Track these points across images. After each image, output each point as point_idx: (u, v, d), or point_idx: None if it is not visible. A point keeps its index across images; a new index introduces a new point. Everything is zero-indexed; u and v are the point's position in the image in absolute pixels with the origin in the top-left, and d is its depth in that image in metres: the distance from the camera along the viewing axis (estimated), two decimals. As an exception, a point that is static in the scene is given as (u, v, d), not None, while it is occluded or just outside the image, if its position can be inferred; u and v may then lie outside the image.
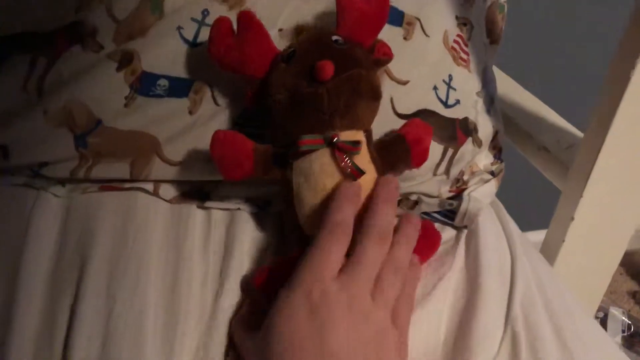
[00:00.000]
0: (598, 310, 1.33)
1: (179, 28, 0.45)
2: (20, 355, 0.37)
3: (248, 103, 0.45)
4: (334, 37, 0.44)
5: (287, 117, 0.43)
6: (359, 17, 0.44)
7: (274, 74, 0.43)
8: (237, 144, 0.43)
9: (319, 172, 0.42)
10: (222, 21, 0.43)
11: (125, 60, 0.45)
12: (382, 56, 0.46)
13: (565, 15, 1.28)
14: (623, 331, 1.34)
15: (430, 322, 0.45)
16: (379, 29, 0.46)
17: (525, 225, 0.63)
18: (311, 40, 0.44)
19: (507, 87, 0.83)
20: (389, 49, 0.46)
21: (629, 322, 1.35)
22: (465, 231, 0.53)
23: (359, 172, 0.42)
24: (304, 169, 0.43)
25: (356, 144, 0.42)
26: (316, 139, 0.42)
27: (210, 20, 0.45)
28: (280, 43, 0.46)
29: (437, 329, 0.45)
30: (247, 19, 0.43)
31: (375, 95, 0.45)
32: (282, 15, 0.47)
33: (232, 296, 0.42)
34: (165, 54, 0.45)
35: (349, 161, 0.42)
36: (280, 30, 0.47)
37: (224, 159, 0.43)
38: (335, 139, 0.42)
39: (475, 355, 0.43)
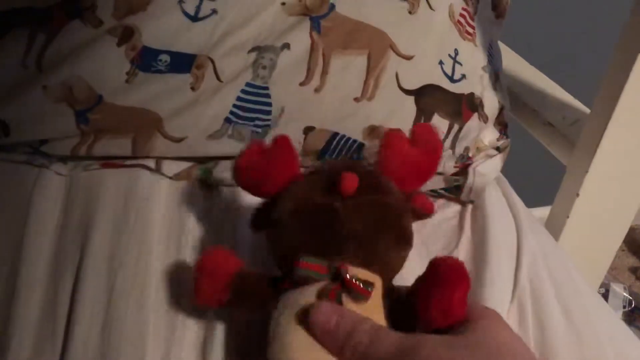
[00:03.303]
0: (600, 286, 1.33)
1: (180, 2, 0.44)
2: (23, 333, 0.37)
3: (252, 224, 0.40)
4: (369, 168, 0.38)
5: (291, 233, 0.35)
6: (403, 162, 0.38)
7: (288, 187, 0.37)
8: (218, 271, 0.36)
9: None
10: (256, 141, 0.39)
11: (126, 35, 0.44)
12: (420, 206, 0.40)
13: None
14: (624, 306, 1.35)
15: None
16: (424, 180, 0.40)
17: (530, 201, 0.62)
18: (340, 161, 0.40)
19: (513, 62, 0.82)
20: (431, 205, 0.42)
21: (630, 297, 1.36)
22: (470, 207, 0.53)
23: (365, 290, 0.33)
24: (288, 304, 0.34)
25: (368, 286, 0.33)
26: (319, 265, 0.33)
27: None
28: (284, 18, 0.45)
29: None
30: (282, 141, 0.38)
31: (403, 237, 0.36)
32: None
33: None
34: (166, 29, 0.44)
35: (357, 282, 0.33)
36: (283, 4, 0.46)
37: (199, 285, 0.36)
38: (343, 270, 0.33)
39: None
